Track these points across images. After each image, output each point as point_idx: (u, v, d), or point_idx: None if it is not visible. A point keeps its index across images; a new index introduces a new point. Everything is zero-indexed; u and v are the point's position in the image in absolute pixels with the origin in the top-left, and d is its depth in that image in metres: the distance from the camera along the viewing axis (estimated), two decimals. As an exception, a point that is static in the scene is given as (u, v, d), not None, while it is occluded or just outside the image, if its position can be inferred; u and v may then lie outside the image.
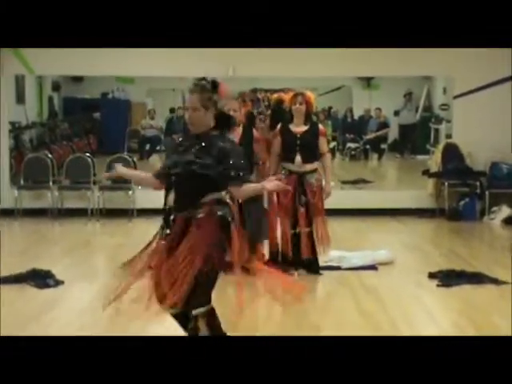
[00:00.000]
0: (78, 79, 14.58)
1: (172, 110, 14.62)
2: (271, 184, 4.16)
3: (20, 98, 12.73)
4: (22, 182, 10.79)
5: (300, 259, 7.06)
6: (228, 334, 5.24)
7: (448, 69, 10.88)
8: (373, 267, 7.38)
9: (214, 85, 4.25)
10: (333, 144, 14.27)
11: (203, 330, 4.12)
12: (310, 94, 7.11)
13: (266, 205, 7.17)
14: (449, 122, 11.98)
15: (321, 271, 7.15)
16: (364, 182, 12.71)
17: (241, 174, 4.08)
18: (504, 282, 6.70)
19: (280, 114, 7.41)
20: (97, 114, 15.61)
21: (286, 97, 7.19)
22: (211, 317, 4.21)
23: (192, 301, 4.05)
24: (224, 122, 4.26)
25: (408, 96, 14.41)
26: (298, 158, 6.92)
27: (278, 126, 7.16)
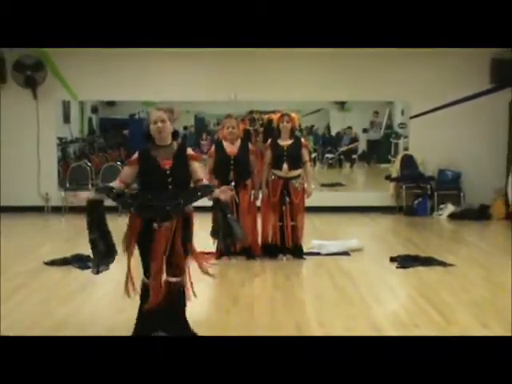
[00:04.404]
0: (111, 103, 14.59)
1: (185, 128, 14.63)
2: (224, 195, 4.16)
3: (66, 119, 12.72)
4: (67, 185, 10.77)
5: (287, 247, 7.07)
6: (230, 306, 5.27)
7: (406, 95, 10.90)
8: (346, 253, 7.36)
9: (171, 109, 4.26)
10: (314, 155, 14.30)
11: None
12: (294, 115, 7.10)
13: (259, 203, 7.18)
14: (406, 137, 11.98)
15: (304, 256, 7.13)
16: (339, 185, 12.70)
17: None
18: (450, 265, 6.73)
19: (270, 130, 7.40)
20: (126, 131, 15.61)
21: (275, 117, 7.19)
22: None
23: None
24: (176, 136, 4.29)
25: (375, 114, 14.48)
26: (285, 166, 6.91)
27: (269, 140, 7.17)
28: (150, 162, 4.18)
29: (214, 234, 4.41)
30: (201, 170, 4.37)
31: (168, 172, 4.14)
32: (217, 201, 4.16)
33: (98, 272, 4.29)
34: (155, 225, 4.15)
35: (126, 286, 4.40)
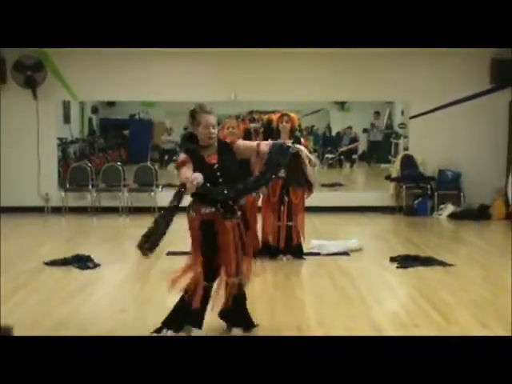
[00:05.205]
0: (111, 104, 14.64)
1: (186, 128, 14.63)
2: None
3: (66, 119, 12.75)
4: (67, 185, 10.75)
5: (288, 247, 7.07)
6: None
7: (406, 95, 10.91)
8: (346, 253, 7.34)
9: None
10: (314, 155, 14.31)
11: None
12: (294, 115, 7.08)
13: (260, 203, 7.17)
14: (406, 137, 12.01)
15: (304, 256, 7.13)
16: (339, 185, 12.72)
17: None
18: (450, 264, 6.72)
19: (270, 130, 7.39)
20: (126, 132, 15.66)
21: (275, 117, 7.17)
22: None
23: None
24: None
25: (376, 115, 14.50)
26: (285, 166, 6.89)
27: (269, 140, 7.13)
28: (198, 159, 4.15)
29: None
30: (248, 142, 4.46)
31: (215, 166, 4.15)
32: (296, 154, 4.30)
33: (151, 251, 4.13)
34: (219, 224, 4.14)
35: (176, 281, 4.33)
